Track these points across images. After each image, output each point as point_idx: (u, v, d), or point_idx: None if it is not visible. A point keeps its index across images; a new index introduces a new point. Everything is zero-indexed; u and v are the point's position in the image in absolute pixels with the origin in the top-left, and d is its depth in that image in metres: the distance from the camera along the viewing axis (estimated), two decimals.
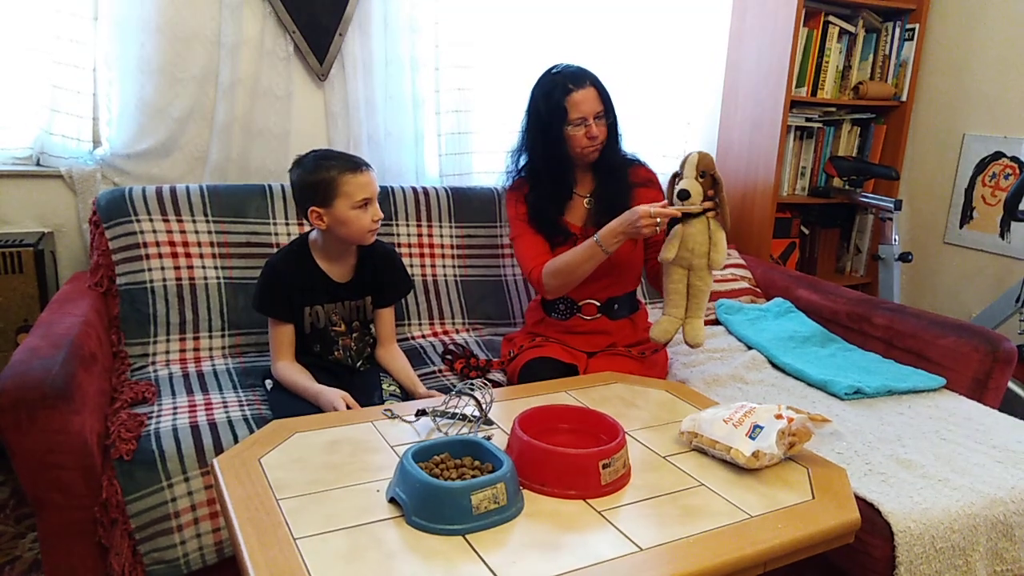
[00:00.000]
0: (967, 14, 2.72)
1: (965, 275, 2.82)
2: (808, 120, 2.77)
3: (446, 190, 2.29)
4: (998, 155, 2.67)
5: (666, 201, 1.66)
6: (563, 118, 1.75)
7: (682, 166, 1.65)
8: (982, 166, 2.72)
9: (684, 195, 1.62)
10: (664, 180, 1.80)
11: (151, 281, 1.90)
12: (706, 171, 1.63)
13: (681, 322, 1.73)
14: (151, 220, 1.93)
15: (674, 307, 1.73)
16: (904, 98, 2.85)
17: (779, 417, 1.27)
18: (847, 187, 2.85)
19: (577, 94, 1.74)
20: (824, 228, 2.99)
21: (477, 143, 2.47)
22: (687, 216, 1.64)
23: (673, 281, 1.71)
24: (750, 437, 1.25)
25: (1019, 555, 1.40)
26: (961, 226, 2.81)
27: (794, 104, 2.68)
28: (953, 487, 1.39)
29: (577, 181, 1.88)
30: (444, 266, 2.25)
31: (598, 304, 1.88)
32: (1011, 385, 2.20)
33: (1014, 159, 2.62)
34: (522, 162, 1.90)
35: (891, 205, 2.61)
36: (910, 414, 1.71)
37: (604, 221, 1.74)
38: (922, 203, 2.94)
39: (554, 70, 1.80)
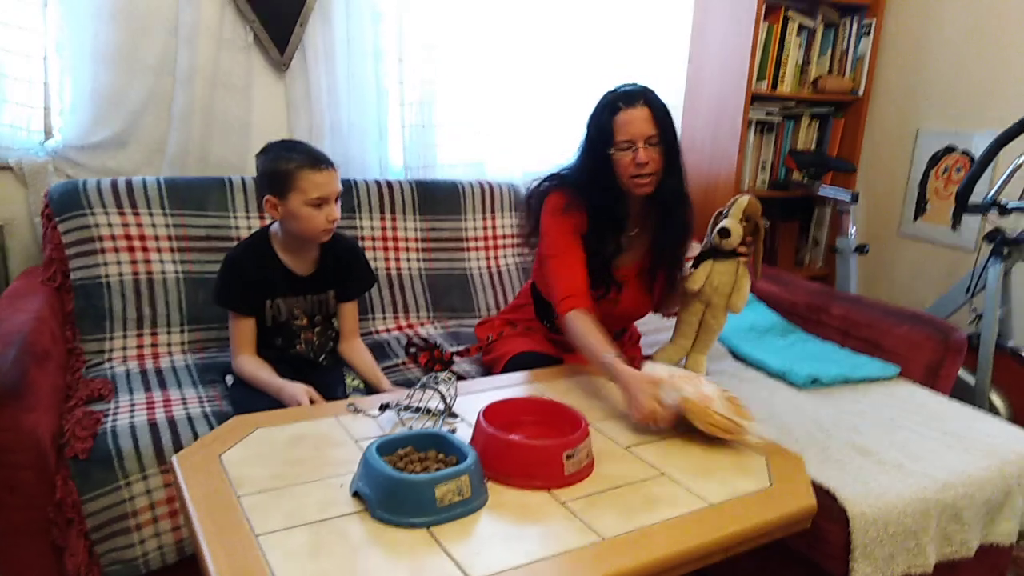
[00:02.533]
0: (922, 11, 2.78)
1: (919, 267, 2.89)
2: (768, 114, 2.81)
3: (410, 183, 2.28)
4: (950, 149, 2.74)
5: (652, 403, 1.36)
6: (609, 141, 1.57)
7: (729, 206, 1.68)
8: (935, 160, 2.79)
9: (725, 233, 1.65)
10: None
11: (107, 276, 1.86)
12: (751, 217, 1.66)
13: (686, 352, 1.77)
14: (107, 213, 1.88)
15: (683, 337, 1.76)
16: (861, 93, 2.91)
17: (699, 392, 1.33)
18: (806, 180, 2.90)
19: (625, 114, 1.55)
20: (784, 221, 3.04)
21: (442, 135, 2.46)
22: (719, 254, 1.67)
23: (689, 313, 1.74)
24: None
25: (967, 537, 1.45)
26: (915, 219, 2.88)
27: (755, 98, 2.72)
28: (906, 472, 1.43)
29: (630, 216, 1.68)
30: (408, 259, 2.24)
31: None
32: (961, 373, 2.26)
33: (965, 153, 2.70)
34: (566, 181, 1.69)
35: (848, 198, 2.67)
36: (866, 402, 1.76)
37: (659, 266, 1.72)
38: (878, 196, 3.01)
39: (613, 89, 1.62)
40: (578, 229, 1.66)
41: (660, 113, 1.58)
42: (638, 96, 1.58)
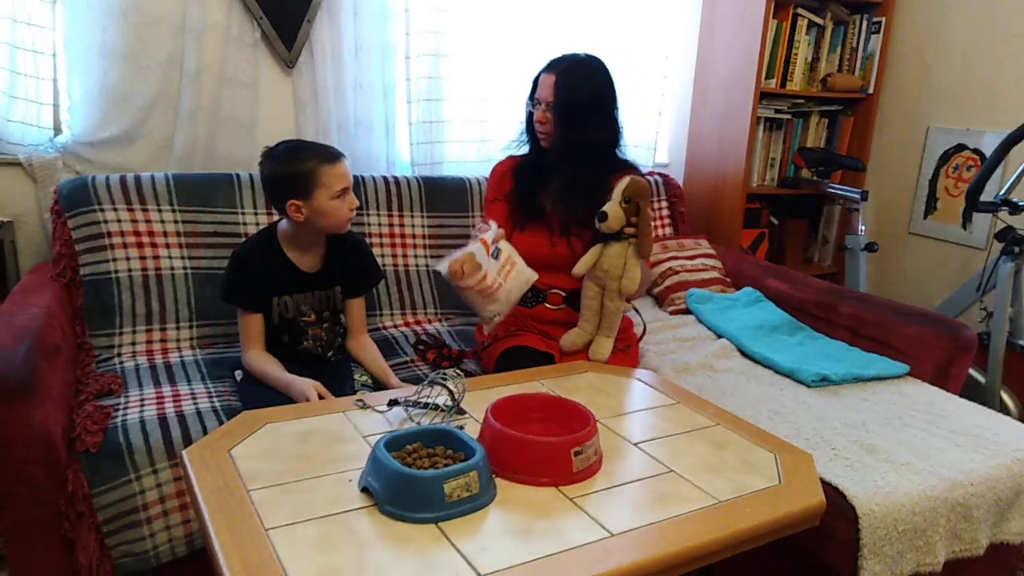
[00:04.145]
0: (932, 9, 2.77)
1: (929, 264, 2.88)
2: (777, 112, 2.80)
3: (417, 179, 2.28)
4: (960, 147, 2.73)
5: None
6: (532, 94, 1.82)
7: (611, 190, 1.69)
8: (945, 158, 2.78)
9: (601, 217, 1.66)
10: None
11: (116, 271, 1.86)
12: (632, 198, 1.66)
13: (590, 336, 1.77)
14: (115, 209, 1.89)
15: (586, 321, 1.77)
16: (871, 90, 2.89)
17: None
18: (815, 178, 2.89)
19: (541, 76, 1.79)
20: (793, 218, 3.03)
21: (449, 132, 2.46)
22: (609, 237, 1.68)
23: (587, 297, 1.75)
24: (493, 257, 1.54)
25: (976, 535, 1.44)
26: (925, 217, 2.87)
27: (763, 96, 2.71)
28: (915, 471, 1.43)
29: (554, 166, 1.87)
30: (416, 256, 2.24)
31: (563, 295, 1.88)
32: (971, 372, 2.25)
33: (976, 151, 2.68)
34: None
35: (858, 196, 2.65)
36: (875, 400, 1.75)
37: (563, 212, 1.80)
38: (888, 194, 3.00)
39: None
40: (505, 176, 1.91)
41: (564, 85, 1.74)
42: (555, 65, 1.78)
